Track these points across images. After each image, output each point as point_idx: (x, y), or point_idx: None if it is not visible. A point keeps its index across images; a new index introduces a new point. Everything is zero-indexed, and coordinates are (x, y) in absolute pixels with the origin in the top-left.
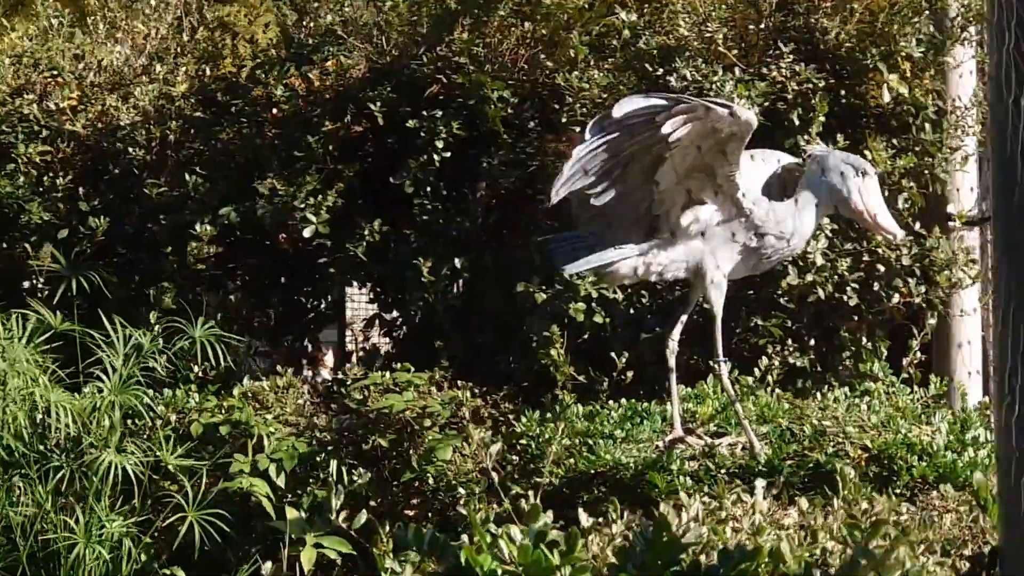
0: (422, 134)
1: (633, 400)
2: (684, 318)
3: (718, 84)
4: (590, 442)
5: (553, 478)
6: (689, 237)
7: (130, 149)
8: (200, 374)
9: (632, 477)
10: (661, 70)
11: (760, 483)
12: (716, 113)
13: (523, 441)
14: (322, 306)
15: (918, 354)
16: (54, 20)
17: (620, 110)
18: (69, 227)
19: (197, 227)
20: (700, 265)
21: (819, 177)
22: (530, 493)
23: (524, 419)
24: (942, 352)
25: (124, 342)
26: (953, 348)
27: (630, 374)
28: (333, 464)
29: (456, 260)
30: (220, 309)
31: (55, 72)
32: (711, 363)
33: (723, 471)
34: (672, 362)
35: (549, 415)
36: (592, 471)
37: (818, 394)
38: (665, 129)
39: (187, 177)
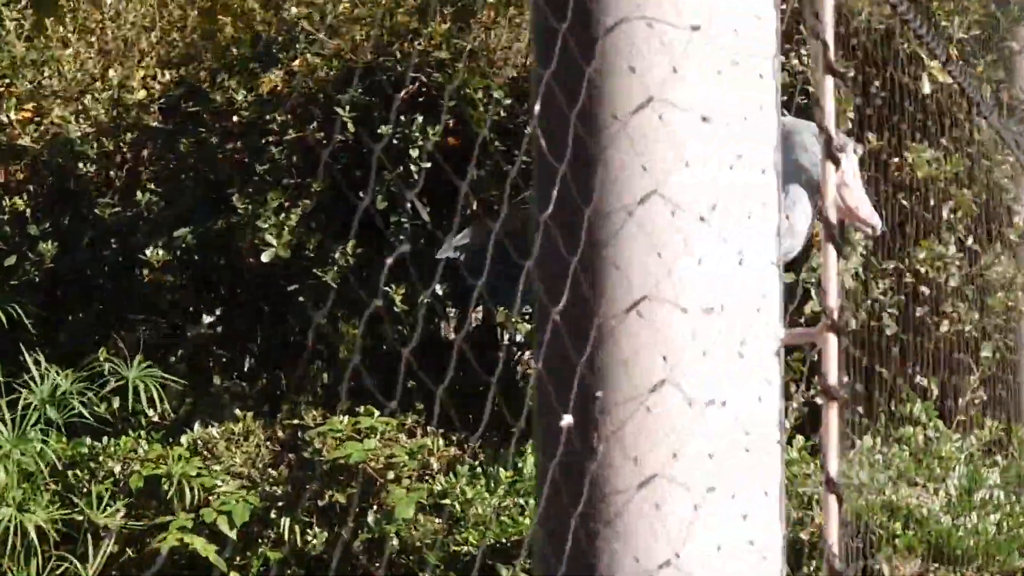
0: (395, 141)
1: None
2: None
3: None
4: (522, 502)
5: (470, 547)
6: None
7: (80, 164)
8: (156, 418)
9: None
10: None
11: None
12: None
13: (446, 500)
14: (308, 339)
15: (980, 392)
16: (11, 23)
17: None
18: (18, 253)
19: (148, 251)
20: None
21: (789, 157)
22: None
23: (451, 474)
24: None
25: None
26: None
27: None
28: (285, 522)
29: (437, 287)
30: (193, 343)
31: (6, 80)
32: None
33: None
34: None
35: (480, 469)
36: (504, 540)
37: (857, 440)
38: None
39: (139, 195)
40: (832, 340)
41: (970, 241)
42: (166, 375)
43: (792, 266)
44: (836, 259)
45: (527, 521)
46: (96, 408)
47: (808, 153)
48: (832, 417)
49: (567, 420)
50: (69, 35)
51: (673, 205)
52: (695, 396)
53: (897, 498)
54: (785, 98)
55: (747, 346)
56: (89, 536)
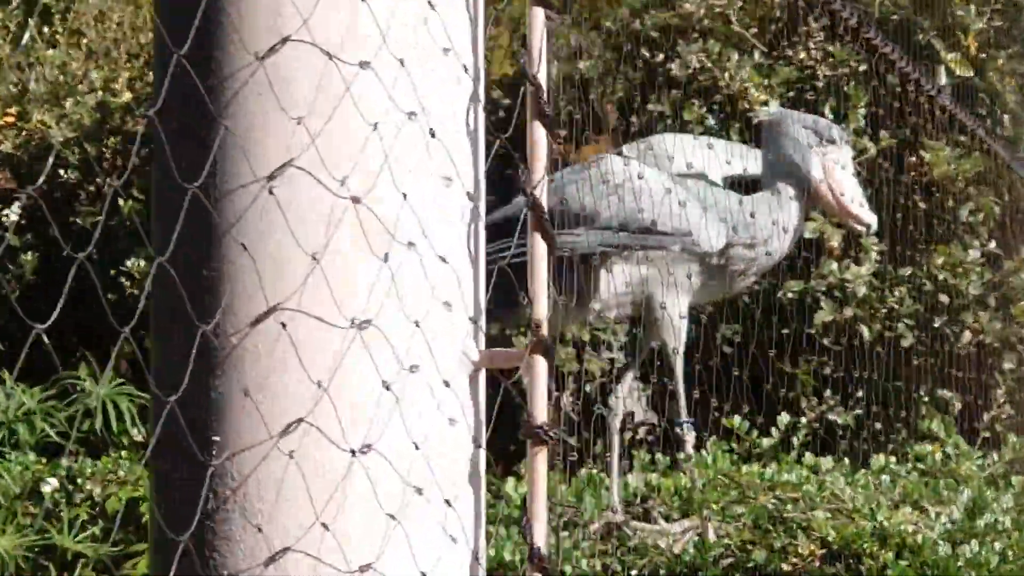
0: None
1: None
2: (632, 371)
3: (732, 70)
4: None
5: None
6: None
7: (60, 171)
8: (141, 438)
9: None
10: (661, 56)
11: None
12: None
13: None
14: None
15: (1006, 408)
16: None
17: None
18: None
19: (129, 262)
20: (650, 297)
21: (777, 151)
22: None
23: None
24: None
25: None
26: None
27: (642, 430)
28: None
29: None
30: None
31: None
32: (675, 425)
33: (633, 571)
34: (616, 425)
35: None
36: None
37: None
38: None
39: (122, 202)
40: (541, 364)
41: (992, 245)
42: (138, 392)
43: (799, 271)
44: (548, 254)
45: (491, 552)
46: (70, 428)
47: (798, 147)
48: (539, 466)
49: None
50: (58, 36)
51: (297, 179)
52: (337, 440)
53: (891, 524)
54: (792, 94)
55: (418, 372)
56: (63, 563)
